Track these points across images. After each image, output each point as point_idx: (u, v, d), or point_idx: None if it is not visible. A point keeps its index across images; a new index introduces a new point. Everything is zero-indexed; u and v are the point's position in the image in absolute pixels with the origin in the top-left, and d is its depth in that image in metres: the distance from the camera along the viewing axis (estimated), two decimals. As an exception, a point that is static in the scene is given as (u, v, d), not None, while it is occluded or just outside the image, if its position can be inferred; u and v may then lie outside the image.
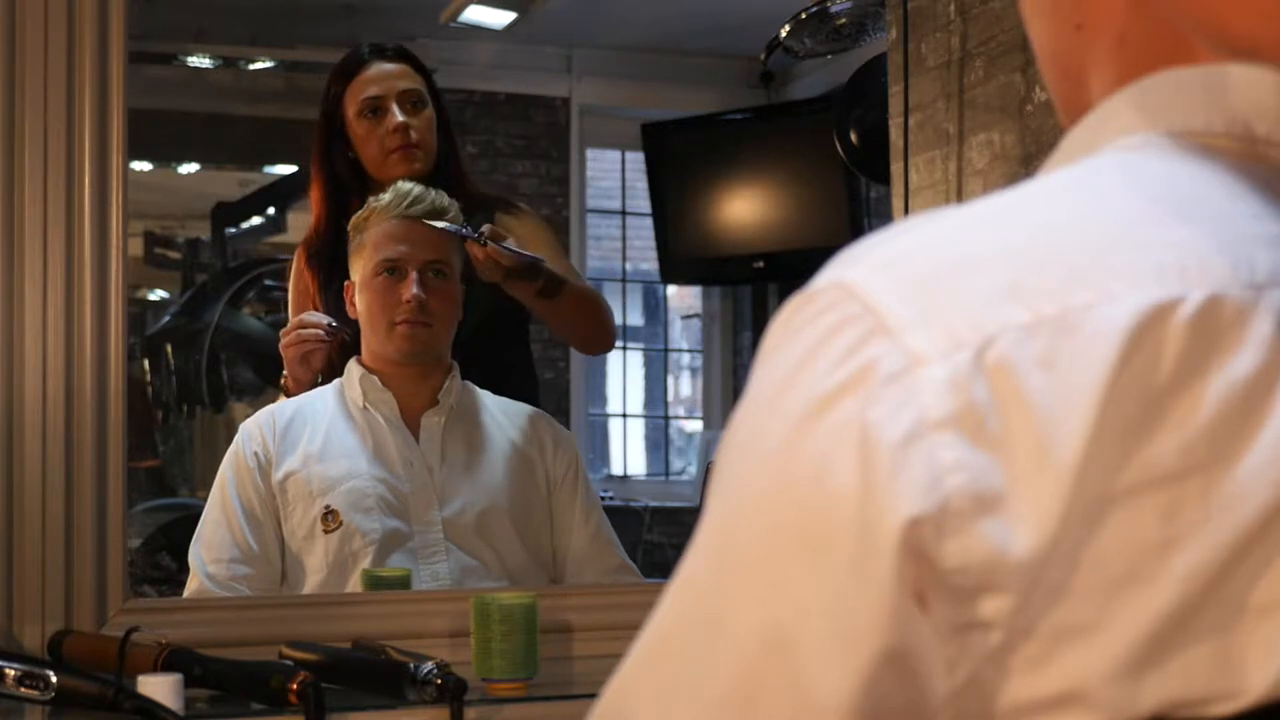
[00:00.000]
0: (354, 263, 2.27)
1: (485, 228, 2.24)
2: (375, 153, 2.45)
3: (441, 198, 2.28)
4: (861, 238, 0.62)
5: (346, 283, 2.30)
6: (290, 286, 2.56)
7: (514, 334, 2.61)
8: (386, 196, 2.27)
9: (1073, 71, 0.70)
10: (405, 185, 2.28)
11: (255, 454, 2.18)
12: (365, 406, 2.24)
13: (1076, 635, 0.55)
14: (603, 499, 2.54)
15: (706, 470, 3.51)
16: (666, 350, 5.45)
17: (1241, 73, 0.64)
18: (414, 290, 2.20)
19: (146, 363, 4.27)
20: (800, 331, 0.59)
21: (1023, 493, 0.55)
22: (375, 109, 2.45)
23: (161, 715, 1.45)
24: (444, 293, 2.24)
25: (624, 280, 5.28)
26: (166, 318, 4.61)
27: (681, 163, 4.58)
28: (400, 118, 2.44)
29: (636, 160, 4.89)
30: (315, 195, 2.51)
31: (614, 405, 5.38)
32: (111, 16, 1.85)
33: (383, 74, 2.48)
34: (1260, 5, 0.62)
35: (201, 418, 4.28)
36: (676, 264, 4.77)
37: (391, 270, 2.22)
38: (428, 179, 2.40)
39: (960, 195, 2.33)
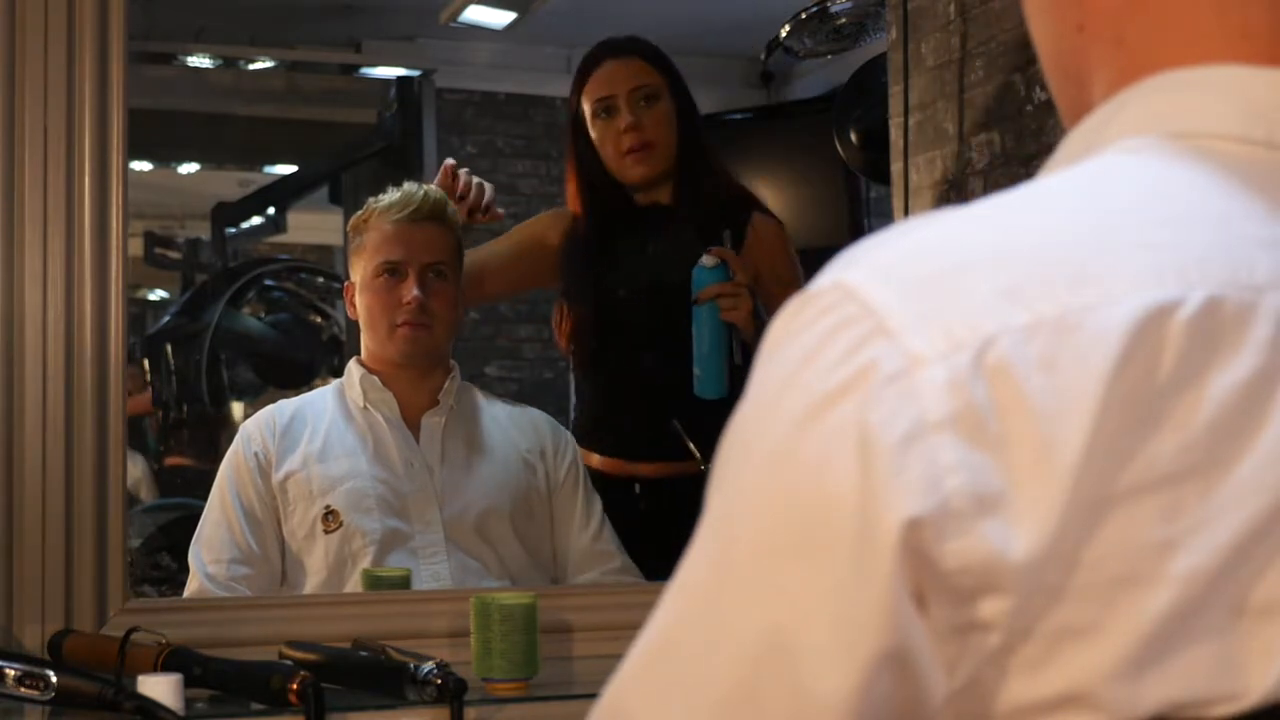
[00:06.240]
0: (354, 264, 2.27)
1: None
2: (612, 154, 2.47)
3: (442, 202, 2.28)
4: (862, 238, 0.62)
5: (347, 283, 2.30)
6: (512, 245, 2.53)
7: None
8: (387, 198, 2.27)
9: (1074, 73, 0.70)
10: (410, 186, 2.28)
11: (255, 454, 2.18)
12: (365, 407, 2.24)
13: (1076, 636, 0.55)
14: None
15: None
16: (667, 350, 5.44)
17: (1242, 74, 0.64)
18: (415, 291, 2.20)
19: (146, 363, 4.27)
20: (801, 332, 0.59)
21: (1022, 493, 0.55)
22: (608, 109, 2.47)
23: (161, 715, 1.45)
24: (444, 294, 2.24)
25: (624, 280, 5.27)
26: (166, 318, 4.62)
27: (682, 163, 4.58)
28: (630, 117, 2.45)
29: (636, 160, 4.88)
30: (570, 198, 2.53)
31: (614, 405, 5.36)
32: (111, 16, 1.84)
33: (614, 72, 2.48)
34: None
35: (201, 418, 4.28)
36: (677, 264, 4.76)
37: (392, 271, 2.22)
38: (671, 179, 2.44)
39: (960, 195, 2.33)
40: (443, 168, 2.45)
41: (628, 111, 2.45)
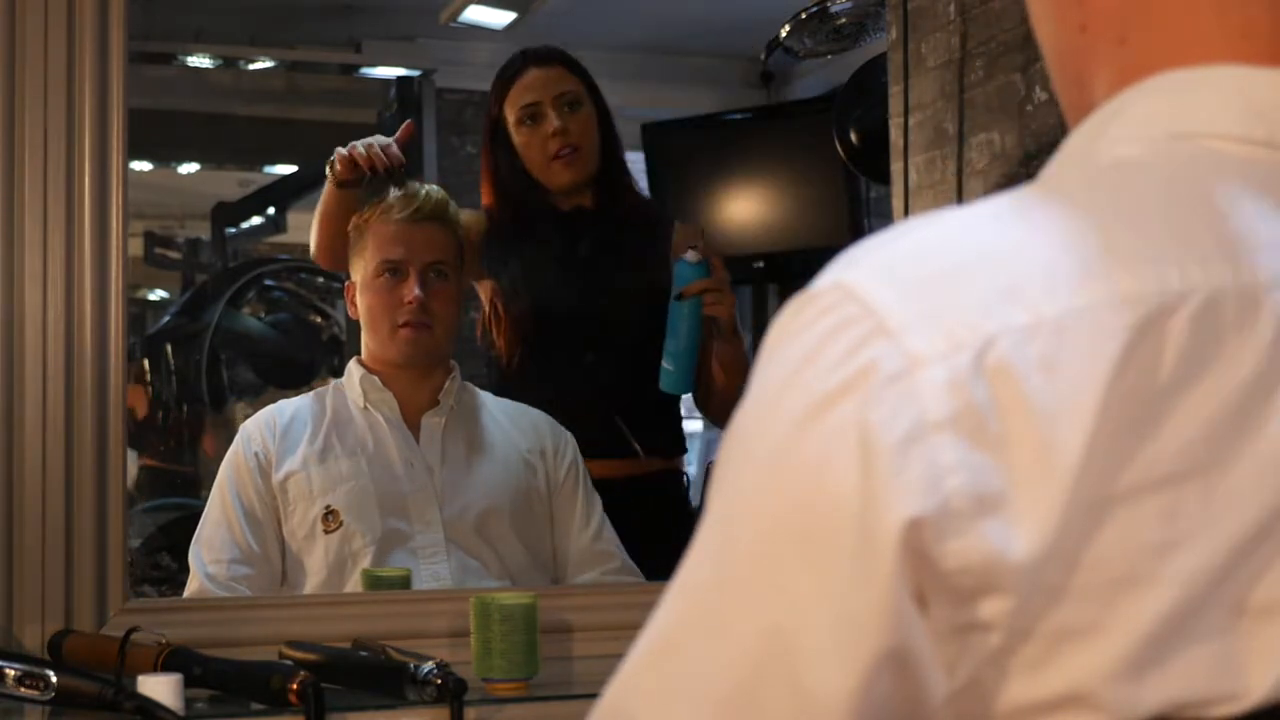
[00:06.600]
0: (355, 263, 2.27)
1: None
2: (538, 158, 2.52)
3: (443, 202, 2.28)
4: (862, 238, 0.62)
5: (347, 283, 2.30)
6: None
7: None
8: (388, 198, 2.27)
9: (1077, 73, 0.70)
10: (411, 186, 2.28)
11: (255, 454, 2.18)
12: (366, 407, 2.24)
13: (1077, 637, 0.55)
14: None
15: (706, 470, 3.51)
16: (667, 350, 5.43)
17: (1242, 74, 0.64)
18: (415, 291, 2.20)
19: (146, 363, 4.27)
20: (801, 332, 0.59)
21: (1023, 494, 0.55)
22: (533, 116, 2.52)
23: (161, 715, 1.45)
24: (445, 294, 2.24)
25: (624, 280, 5.27)
26: (166, 318, 4.61)
27: (681, 163, 4.58)
28: (557, 122, 2.50)
29: (636, 160, 4.86)
30: (486, 200, 2.57)
31: (614, 405, 5.35)
32: (111, 16, 1.84)
33: (538, 79, 2.54)
34: None
35: (201, 418, 4.28)
36: (676, 264, 4.76)
37: (393, 271, 2.22)
38: (593, 184, 2.51)
39: (960, 195, 2.33)
40: (336, 159, 2.31)
41: (555, 116, 2.50)
